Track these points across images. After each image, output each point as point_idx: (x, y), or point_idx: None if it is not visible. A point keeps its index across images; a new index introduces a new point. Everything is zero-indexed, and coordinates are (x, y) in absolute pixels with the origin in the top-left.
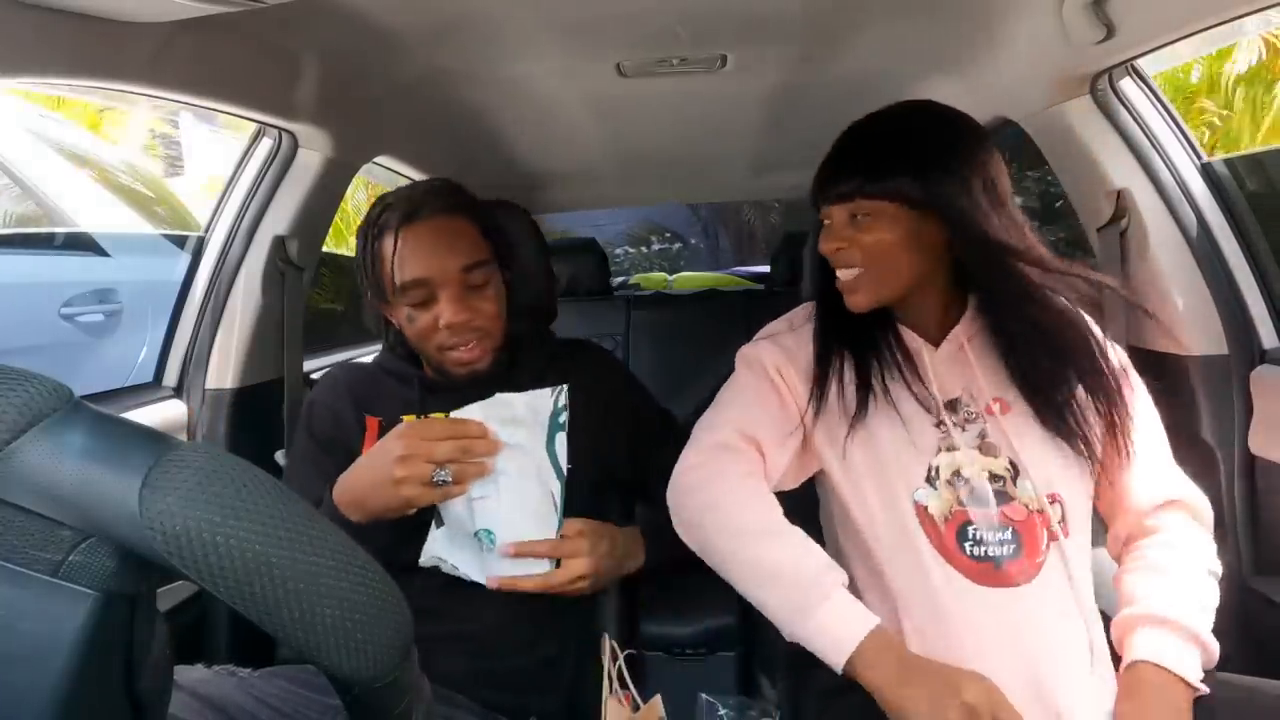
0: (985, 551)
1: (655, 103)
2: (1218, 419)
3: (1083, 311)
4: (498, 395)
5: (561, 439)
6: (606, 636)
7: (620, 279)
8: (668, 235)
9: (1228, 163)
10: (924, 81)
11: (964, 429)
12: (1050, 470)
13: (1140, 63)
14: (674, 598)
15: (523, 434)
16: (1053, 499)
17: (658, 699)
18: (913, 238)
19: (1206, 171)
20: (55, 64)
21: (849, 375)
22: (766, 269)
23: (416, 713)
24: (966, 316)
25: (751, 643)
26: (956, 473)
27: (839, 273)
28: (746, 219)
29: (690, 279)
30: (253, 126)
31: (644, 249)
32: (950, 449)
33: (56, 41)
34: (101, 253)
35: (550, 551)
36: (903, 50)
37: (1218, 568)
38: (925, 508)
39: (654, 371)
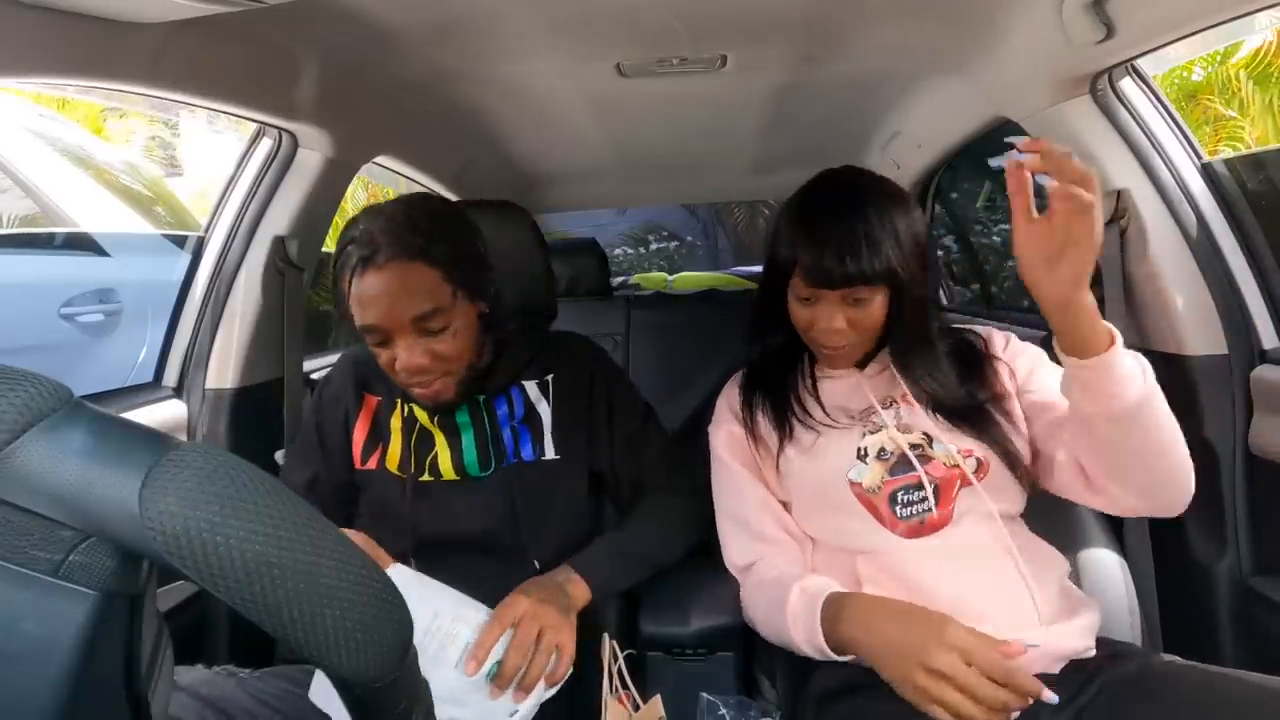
0: (911, 511)
1: (655, 103)
2: (1218, 419)
3: (974, 329)
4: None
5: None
6: (606, 636)
7: (620, 279)
8: (665, 234)
9: (1228, 163)
10: (924, 81)
11: (882, 412)
12: (958, 437)
13: (1140, 63)
14: (674, 598)
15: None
16: (966, 454)
17: (657, 699)
18: (889, 306)
19: (1206, 171)
20: (55, 64)
21: (769, 407)
22: None
23: (416, 713)
24: (886, 351)
25: (752, 643)
26: (882, 449)
27: (826, 350)
28: (738, 221)
29: (690, 279)
30: (253, 126)
31: (643, 249)
32: (874, 431)
33: (56, 41)
34: (101, 253)
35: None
36: (903, 50)
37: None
38: (860, 484)
39: (654, 371)
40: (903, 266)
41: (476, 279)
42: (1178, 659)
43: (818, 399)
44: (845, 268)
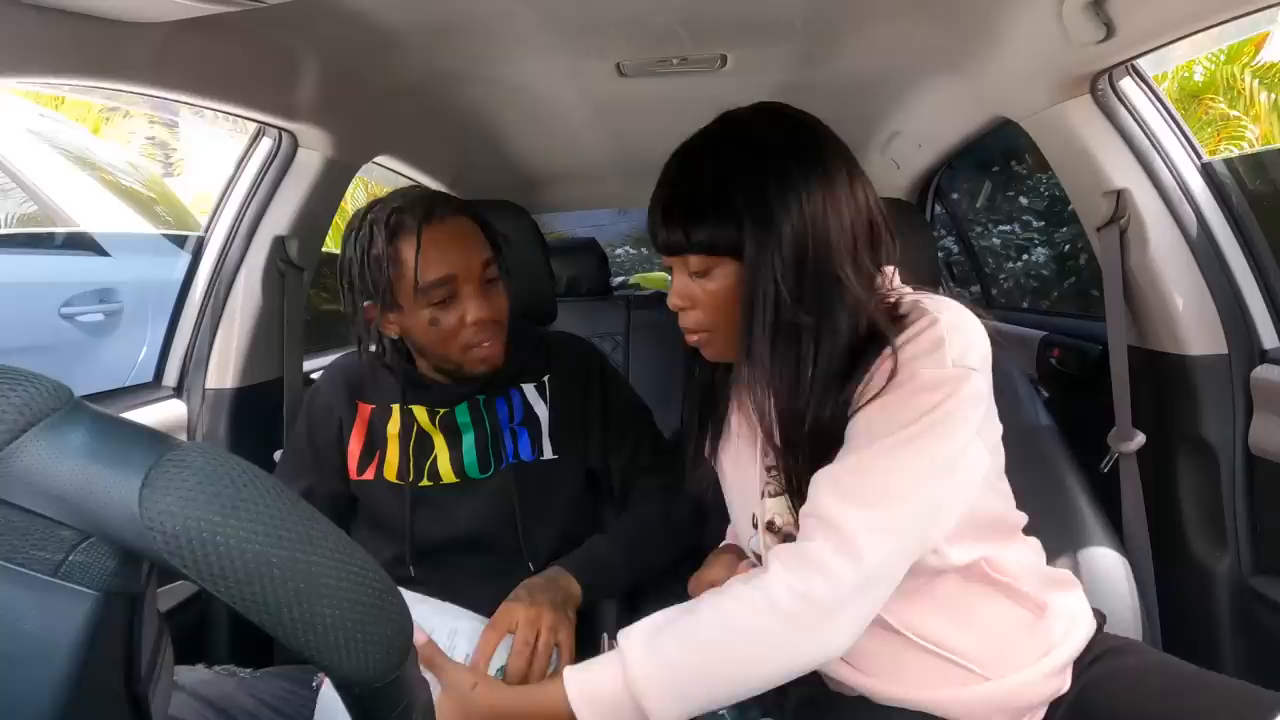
0: None
1: (655, 103)
2: (1218, 419)
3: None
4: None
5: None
6: (606, 636)
7: (620, 279)
8: None
9: (1228, 163)
10: (924, 81)
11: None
12: None
13: (1140, 62)
14: (674, 598)
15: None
16: None
17: None
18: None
19: (1206, 171)
20: (55, 64)
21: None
22: None
23: (416, 713)
24: None
25: None
26: (772, 521)
27: (687, 336)
28: None
29: None
30: (253, 126)
31: (645, 250)
32: (772, 494)
33: (57, 41)
34: (102, 252)
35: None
36: (903, 50)
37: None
38: (759, 555)
39: (654, 372)
40: (746, 237)
41: (505, 245)
42: (1173, 658)
43: (718, 401)
44: (664, 228)
